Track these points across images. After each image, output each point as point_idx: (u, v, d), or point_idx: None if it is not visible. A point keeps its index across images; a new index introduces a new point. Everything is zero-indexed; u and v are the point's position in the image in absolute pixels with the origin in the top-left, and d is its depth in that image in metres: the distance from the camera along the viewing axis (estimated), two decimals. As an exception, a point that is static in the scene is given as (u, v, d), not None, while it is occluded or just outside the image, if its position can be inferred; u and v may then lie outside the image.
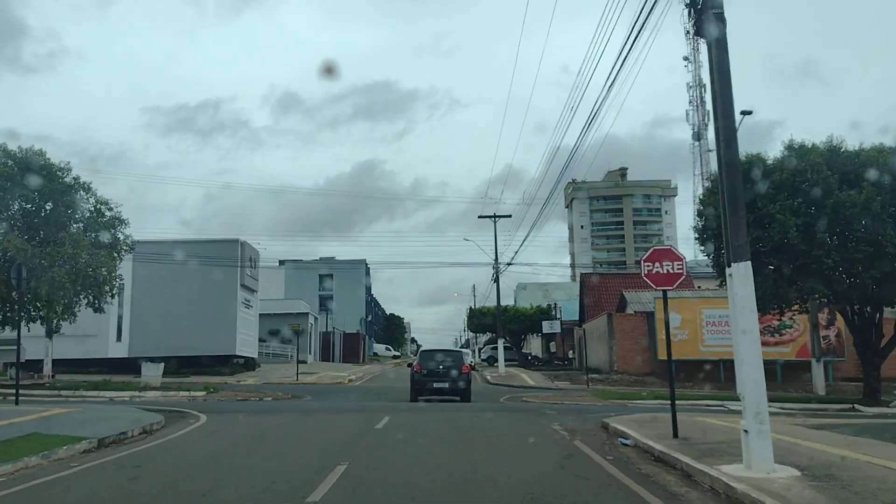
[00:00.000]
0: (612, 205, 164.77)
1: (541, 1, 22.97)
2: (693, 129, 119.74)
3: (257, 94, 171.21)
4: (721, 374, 35.00)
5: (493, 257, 41.85)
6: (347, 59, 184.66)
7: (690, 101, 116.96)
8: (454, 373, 21.94)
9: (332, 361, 64.10)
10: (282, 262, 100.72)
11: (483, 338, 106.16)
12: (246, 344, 39.14)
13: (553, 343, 54.16)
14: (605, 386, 33.07)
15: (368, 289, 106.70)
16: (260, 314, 57.83)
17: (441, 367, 22.09)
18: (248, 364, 40.42)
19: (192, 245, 36.91)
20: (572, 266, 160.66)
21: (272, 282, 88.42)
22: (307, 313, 59.20)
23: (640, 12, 10.10)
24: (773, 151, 30.85)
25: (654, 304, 36.15)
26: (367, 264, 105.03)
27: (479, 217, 42.87)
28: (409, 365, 25.14)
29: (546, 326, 48.65)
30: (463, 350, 56.88)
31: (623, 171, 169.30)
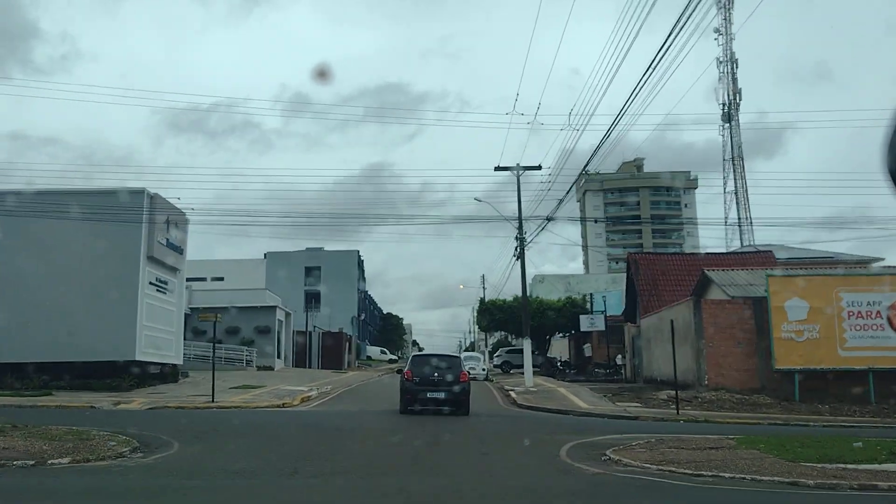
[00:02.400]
0: (627, 197, 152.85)
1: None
2: (722, 109, 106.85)
3: (267, 96, 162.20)
4: (871, 391, 22.79)
5: (516, 220, 29.56)
6: (358, 60, 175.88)
7: (720, 78, 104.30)
8: (451, 381, 18.73)
9: (309, 367, 51.81)
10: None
11: (492, 339, 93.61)
12: (159, 345, 26.92)
13: (588, 345, 41.88)
14: (705, 410, 20.86)
15: (362, 284, 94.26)
16: (207, 308, 45.86)
17: (436, 374, 18.94)
18: (167, 374, 28.27)
19: (71, 198, 24.68)
20: (585, 263, 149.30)
21: (251, 276, 76.16)
22: (274, 307, 46.95)
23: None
24: None
25: (766, 283, 23.89)
26: (359, 256, 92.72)
27: (497, 169, 30.67)
28: (399, 371, 20.80)
29: (584, 322, 36.43)
30: (472, 354, 44.55)
31: (639, 162, 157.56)
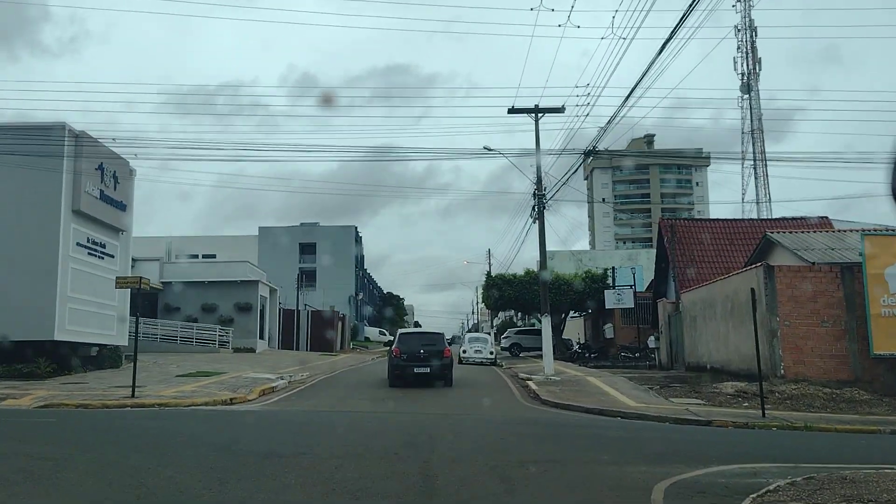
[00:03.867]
0: (637, 175, 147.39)
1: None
2: (741, 79, 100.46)
3: (274, 77, 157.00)
4: None
5: (534, 170, 24.21)
6: (367, 41, 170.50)
7: (738, 47, 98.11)
8: (436, 357, 19.98)
9: (297, 350, 46.67)
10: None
11: (497, 321, 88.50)
12: (93, 322, 21.70)
13: (609, 326, 36.60)
14: (790, 409, 15.71)
15: (360, 261, 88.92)
16: (182, 282, 40.74)
17: (422, 350, 20.09)
18: (108, 357, 23.08)
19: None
20: (591, 244, 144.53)
21: (245, 253, 70.46)
22: (256, 281, 41.69)
23: None
24: None
25: (861, 245, 18.55)
26: (357, 231, 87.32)
27: (511, 111, 25.24)
28: (387, 344, 21.90)
29: (610, 299, 31.17)
30: (478, 334, 39.36)
31: (650, 139, 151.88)
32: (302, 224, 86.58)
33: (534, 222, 26.24)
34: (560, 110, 25.28)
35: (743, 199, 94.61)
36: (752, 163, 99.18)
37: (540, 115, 25.22)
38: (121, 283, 16.19)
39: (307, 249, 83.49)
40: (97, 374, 21.07)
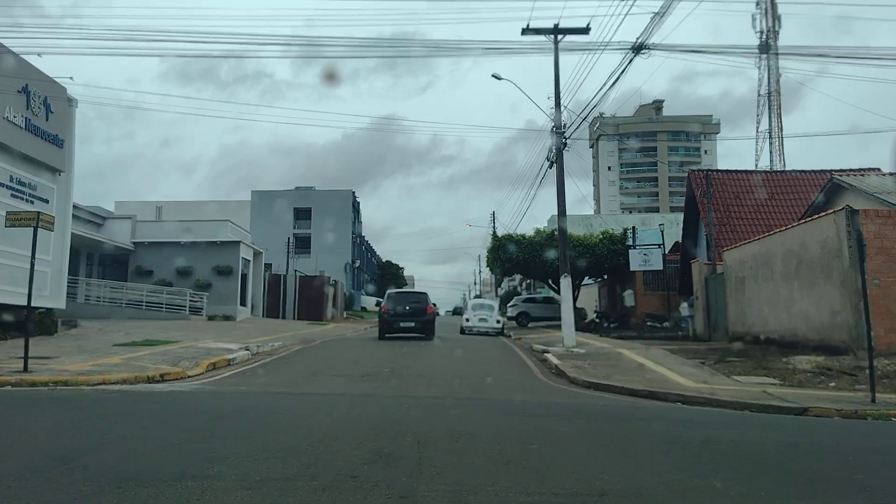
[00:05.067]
0: (644, 142, 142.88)
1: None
2: (760, 37, 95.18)
3: (277, 46, 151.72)
4: None
5: (553, 98, 20.17)
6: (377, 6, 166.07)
7: (758, 4, 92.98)
8: (419, 313, 23.05)
9: (283, 318, 42.94)
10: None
11: (501, 291, 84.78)
12: (18, 280, 17.82)
13: (629, 292, 32.71)
14: (892, 391, 11.92)
15: (358, 227, 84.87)
16: (155, 242, 36.76)
17: (407, 307, 23.23)
18: (37, 323, 19.24)
19: None
20: (597, 213, 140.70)
21: (236, 220, 66.34)
22: (237, 242, 37.78)
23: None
24: None
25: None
26: (354, 196, 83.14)
27: (525, 32, 21.10)
28: (377, 304, 23.66)
29: (636, 260, 27.28)
30: (483, 301, 35.54)
31: (658, 105, 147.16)
32: (297, 188, 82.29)
33: (550, 166, 22.30)
34: (584, 31, 21.19)
35: (756, 165, 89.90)
36: (766, 128, 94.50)
37: (560, 36, 21.15)
38: (11, 219, 12.27)
39: (302, 215, 79.36)
40: (17, 342, 17.25)
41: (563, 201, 20.29)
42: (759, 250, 19.51)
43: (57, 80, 19.20)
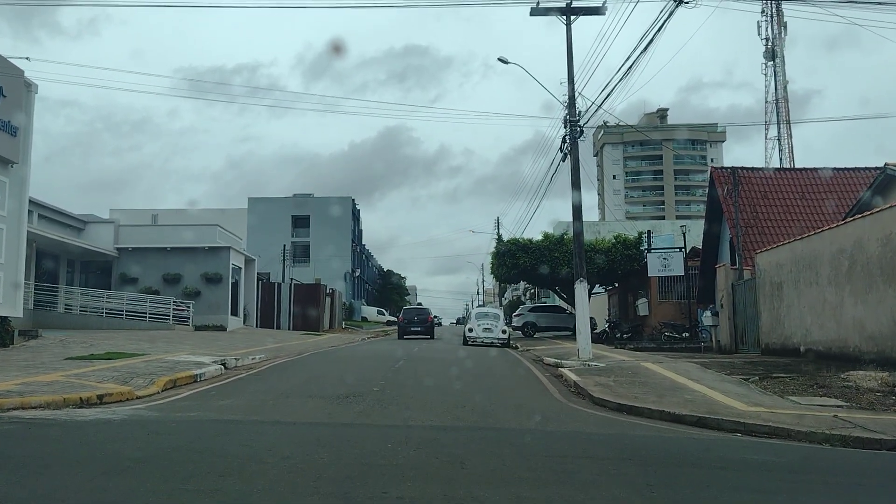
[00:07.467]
0: (649, 151, 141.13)
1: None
2: (766, 44, 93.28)
3: (288, 59, 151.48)
4: None
5: (566, 84, 18.05)
6: (387, 22, 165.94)
7: (763, 11, 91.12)
8: (424, 321, 35.81)
9: (277, 328, 40.74)
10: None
11: (505, 301, 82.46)
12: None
13: (643, 301, 30.47)
14: None
15: (358, 236, 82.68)
16: (140, 248, 34.60)
17: (416, 317, 36.35)
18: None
19: None
20: (602, 221, 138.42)
21: (234, 228, 64.15)
22: (227, 248, 35.64)
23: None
24: None
25: None
26: (354, 204, 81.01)
27: (534, 12, 18.99)
28: (395, 315, 31.04)
29: (654, 265, 25.09)
30: (488, 309, 33.34)
31: (663, 113, 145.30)
32: (295, 195, 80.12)
33: (563, 160, 20.14)
34: (600, 11, 19.07)
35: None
36: (776, 135, 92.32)
37: (573, 16, 19.05)
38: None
39: (300, 223, 77.20)
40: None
41: (579, 198, 18.10)
42: (800, 252, 17.29)
43: (12, 59, 17.11)
